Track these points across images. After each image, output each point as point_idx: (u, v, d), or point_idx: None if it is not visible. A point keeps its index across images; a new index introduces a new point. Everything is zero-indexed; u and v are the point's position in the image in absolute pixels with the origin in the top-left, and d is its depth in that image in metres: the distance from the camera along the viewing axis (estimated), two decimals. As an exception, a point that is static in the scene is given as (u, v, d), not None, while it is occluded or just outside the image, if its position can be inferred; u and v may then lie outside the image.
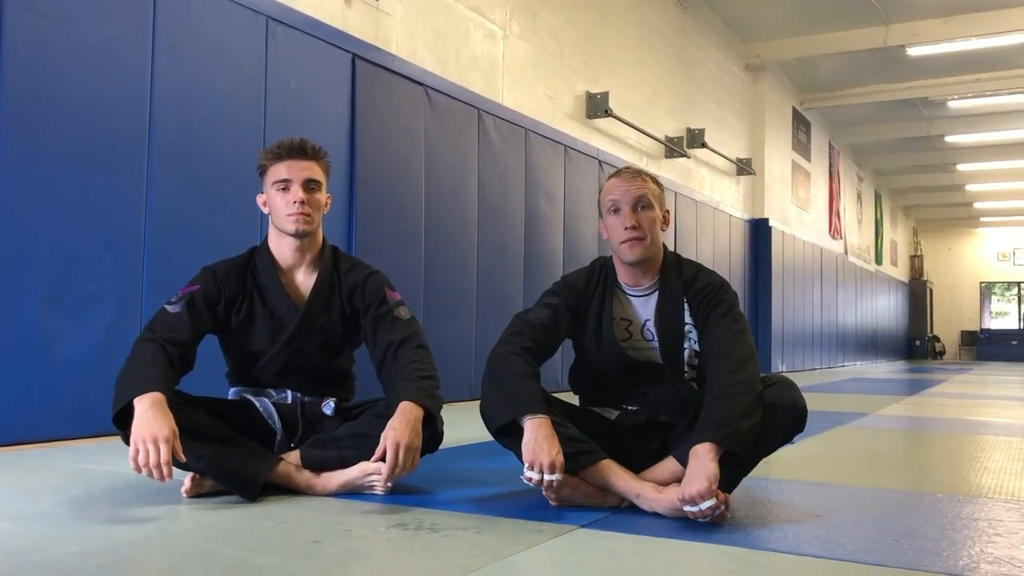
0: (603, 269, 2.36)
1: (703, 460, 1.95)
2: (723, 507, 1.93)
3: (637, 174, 2.29)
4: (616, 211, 2.26)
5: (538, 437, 2.00)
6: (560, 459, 1.99)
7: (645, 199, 2.25)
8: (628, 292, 2.33)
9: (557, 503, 2.11)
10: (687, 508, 1.94)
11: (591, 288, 2.34)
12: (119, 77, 3.52)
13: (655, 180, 2.32)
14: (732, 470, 2.04)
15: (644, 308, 2.32)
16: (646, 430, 2.29)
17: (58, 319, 3.28)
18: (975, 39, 10.19)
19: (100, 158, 3.44)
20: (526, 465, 2.00)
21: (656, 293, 2.31)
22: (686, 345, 2.28)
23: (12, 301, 3.14)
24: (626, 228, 2.23)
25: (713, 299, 2.25)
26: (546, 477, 1.98)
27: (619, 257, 2.30)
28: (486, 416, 2.15)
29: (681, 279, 2.30)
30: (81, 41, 3.39)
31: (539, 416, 2.03)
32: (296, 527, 1.90)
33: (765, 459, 2.24)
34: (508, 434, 2.10)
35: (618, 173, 2.32)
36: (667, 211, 2.33)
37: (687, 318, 2.28)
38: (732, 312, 2.24)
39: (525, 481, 2.02)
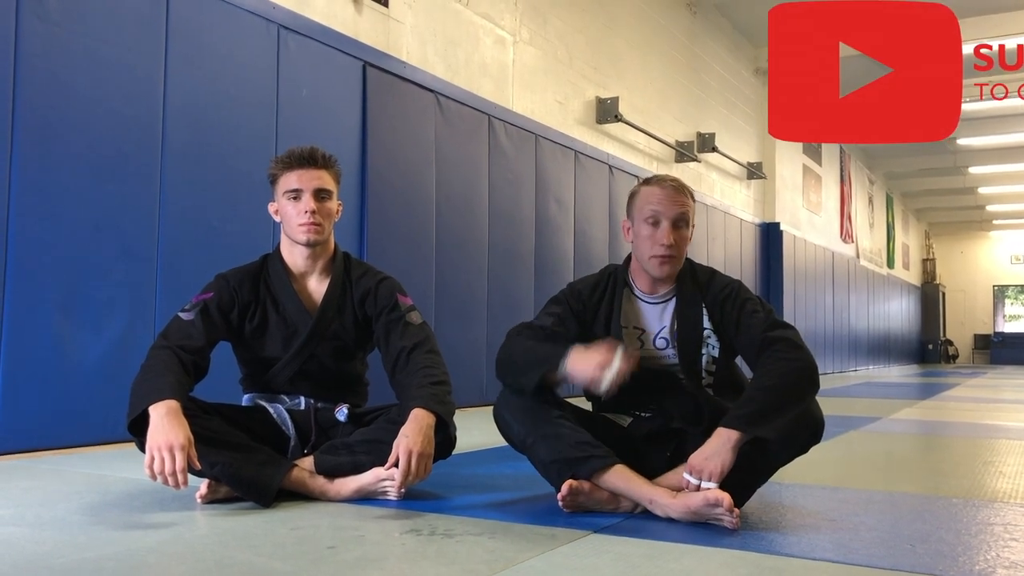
0: (612, 277, 2.35)
1: (725, 442, 1.95)
2: (732, 516, 1.92)
3: (680, 189, 2.26)
4: (654, 223, 2.23)
5: (587, 351, 2.00)
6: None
7: (685, 218, 2.24)
8: (643, 299, 2.33)
9: (570, 509, 2.11)
10: (685, 475, 1.95)
11: (597, 295, 2.33)
12: (132, 85, 3.55)
13: (692, 196, 2.30)
14: (747, 476, 2.04)
15: (660, 316, 2.31)
16: (659, 437, 2.29)
17: (72, 326, 3.30)
18: (986, 40, 10.12)
19: (113, 166, 3.47)
20: (589, 380, 1.98)
21: (673, 300, 2.30)
22: (704, 351, 2.27)
23: (26, 308, 3.16)
24: (662, 245, 2.21)
25: (736, 300, 2.25)
26: (615, 363, 1.95)
27: (645, 269, 2.28)
28: (515, 379, 2.17)
29: (697, 284, 2.30)
30: (94, 50, 3.42)
31: (575, 348, 2.04)
32: (310, 533, 1.91)
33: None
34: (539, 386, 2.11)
35: (660, 182, 2.27)
36: (694, 226, 2.31)
37: (706, 323, 2.27)
38: (759, 302, 2.25)
39: (599, 391, 1.98)
